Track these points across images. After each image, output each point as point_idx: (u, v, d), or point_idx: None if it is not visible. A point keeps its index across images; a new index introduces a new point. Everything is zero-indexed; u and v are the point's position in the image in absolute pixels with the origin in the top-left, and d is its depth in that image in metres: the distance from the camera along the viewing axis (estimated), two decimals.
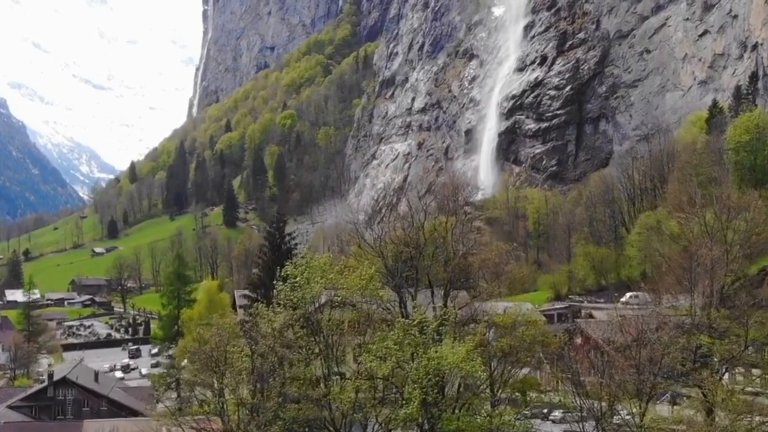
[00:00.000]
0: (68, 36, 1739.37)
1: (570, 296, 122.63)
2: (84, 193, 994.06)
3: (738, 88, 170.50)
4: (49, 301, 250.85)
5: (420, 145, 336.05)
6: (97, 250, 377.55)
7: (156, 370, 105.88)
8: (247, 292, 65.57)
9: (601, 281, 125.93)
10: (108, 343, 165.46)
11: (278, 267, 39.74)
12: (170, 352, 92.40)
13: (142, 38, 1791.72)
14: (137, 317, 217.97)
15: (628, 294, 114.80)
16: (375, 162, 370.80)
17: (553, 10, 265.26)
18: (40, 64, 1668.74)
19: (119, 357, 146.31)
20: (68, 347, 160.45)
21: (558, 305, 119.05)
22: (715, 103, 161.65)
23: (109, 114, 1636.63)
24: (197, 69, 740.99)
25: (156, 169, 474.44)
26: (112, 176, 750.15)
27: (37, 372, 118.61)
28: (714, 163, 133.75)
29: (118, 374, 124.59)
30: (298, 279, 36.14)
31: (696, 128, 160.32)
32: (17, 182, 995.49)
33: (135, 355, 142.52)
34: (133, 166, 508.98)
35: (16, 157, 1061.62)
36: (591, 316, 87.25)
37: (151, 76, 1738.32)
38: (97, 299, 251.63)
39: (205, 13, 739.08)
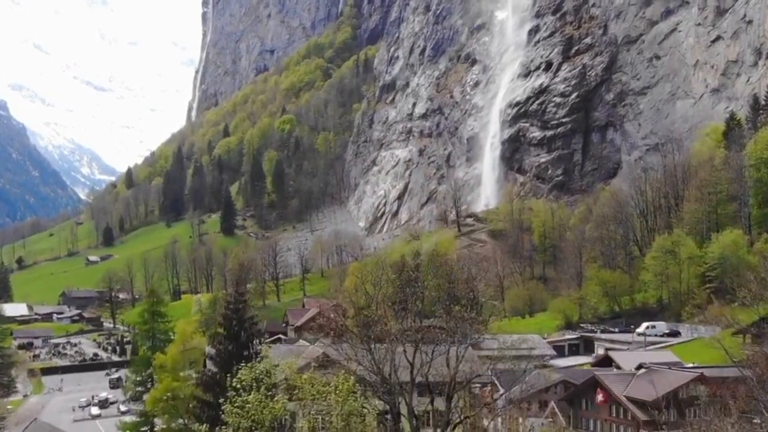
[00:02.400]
0: (69, 37, 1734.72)
1: (581, 324, 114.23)
2: (84, 195, 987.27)
3: (755, 97, 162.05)
4: (37, 316, 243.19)
5: (421, 152, 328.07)
6: (92, 258, 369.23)
7: (133, 406, 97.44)
8: (220, 346, 57.17)
9: (615, 307, 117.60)
10: (91, 366, 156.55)
11: (235, 364, 31.56)
12: (144, 398, 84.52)
13: (142, 39, 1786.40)
14: (126, 333, 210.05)
15: (645, 324, 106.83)
16: (375, 168, 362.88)
17: (558, 15, 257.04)
18: (40, 66, 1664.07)
19: (101, 384, 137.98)
20: (48, 371, 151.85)
21: (568, 335, 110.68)
22: (732, 116, 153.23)
23: (109, 115, 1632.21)
24: (196, 72, 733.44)
25: (153, 175, 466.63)
26: (113, 178, 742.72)
27: (7, 409, 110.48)
28: (733, 180, 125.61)
29: (95, 410, 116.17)
30: (252, 397, 27.98)
31: (711, 141, 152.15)
32: (17, 184, 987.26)
33: (116, 385, 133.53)
34: (129, 171, 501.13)
35: (16, 159, 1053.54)
36: (609, 359, 78.75)
37: (151, 78, 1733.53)
38: (86, 315, 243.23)
39: (204, 16, 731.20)
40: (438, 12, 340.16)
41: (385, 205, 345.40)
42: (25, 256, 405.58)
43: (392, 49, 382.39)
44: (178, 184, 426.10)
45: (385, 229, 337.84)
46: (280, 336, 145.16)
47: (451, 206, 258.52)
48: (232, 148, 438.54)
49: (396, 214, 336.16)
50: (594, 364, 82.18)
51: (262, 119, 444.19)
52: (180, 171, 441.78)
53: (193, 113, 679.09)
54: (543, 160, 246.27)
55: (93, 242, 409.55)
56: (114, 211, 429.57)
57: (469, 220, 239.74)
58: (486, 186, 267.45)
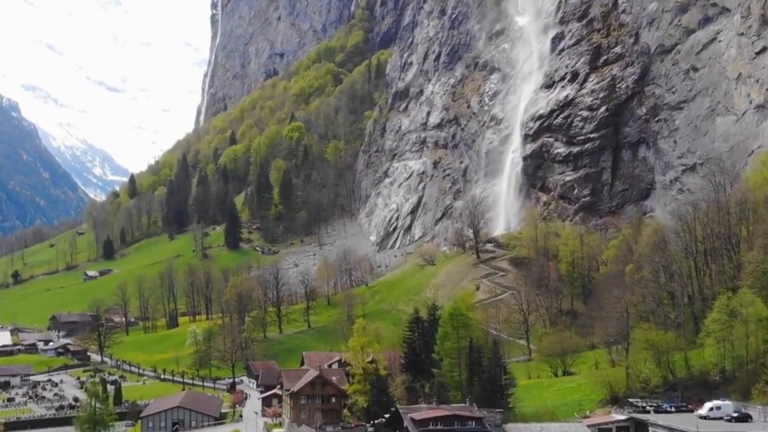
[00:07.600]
0: (82, 38, 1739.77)
1: (630, 399, 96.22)
2: (95, 196, 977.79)
3: None
4: (19, 347, 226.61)
5: (436, 164, 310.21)
6: (90, 273, 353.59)
7: None
8: None
9: (668, 376, 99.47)
10: (62, 420, 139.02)
11: None
12: None
13: (155, 40, 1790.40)
14: (113, 370, 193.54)
15: (708, 405, 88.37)
16: (387, 180, 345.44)
17: (584, 21, 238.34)
18: (53, 67, 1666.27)
19: None
20: (14, 425, 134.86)
21: (616, 416, 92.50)
22: None
23: (122, 116, 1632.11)
24: (205, 75, 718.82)
25: (157, 184, 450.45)
26: (125, 179, 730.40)
27: None
28: None
29: None
30: None
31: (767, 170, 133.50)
32: (27, 186, 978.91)
33: None
34: (132, 179, 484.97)
35: (27, 161, 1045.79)
36: None
37: (164, 79, 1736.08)
38: (72, 347, 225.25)
39: (213, 18, 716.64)
40: (454, 16, 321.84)
41: (397, 219, 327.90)
42: (22, 270, 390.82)
43: (405, 55, 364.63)
44: (182, 194, 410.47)
45: (397, 245, 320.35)
46: (276, 393, 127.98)
47: (468, 226, 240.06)
48: (239, 157, 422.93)
49: (409, 229, 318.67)
50: None
51: (270, 126, 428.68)
52: (184, 180, 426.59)
53: (202, 117, 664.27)
54: (568, 178, 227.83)
55: (93, 255, 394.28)
56: (115, 221, 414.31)
57: (489, 246, 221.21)
58: (506, 204, 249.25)
